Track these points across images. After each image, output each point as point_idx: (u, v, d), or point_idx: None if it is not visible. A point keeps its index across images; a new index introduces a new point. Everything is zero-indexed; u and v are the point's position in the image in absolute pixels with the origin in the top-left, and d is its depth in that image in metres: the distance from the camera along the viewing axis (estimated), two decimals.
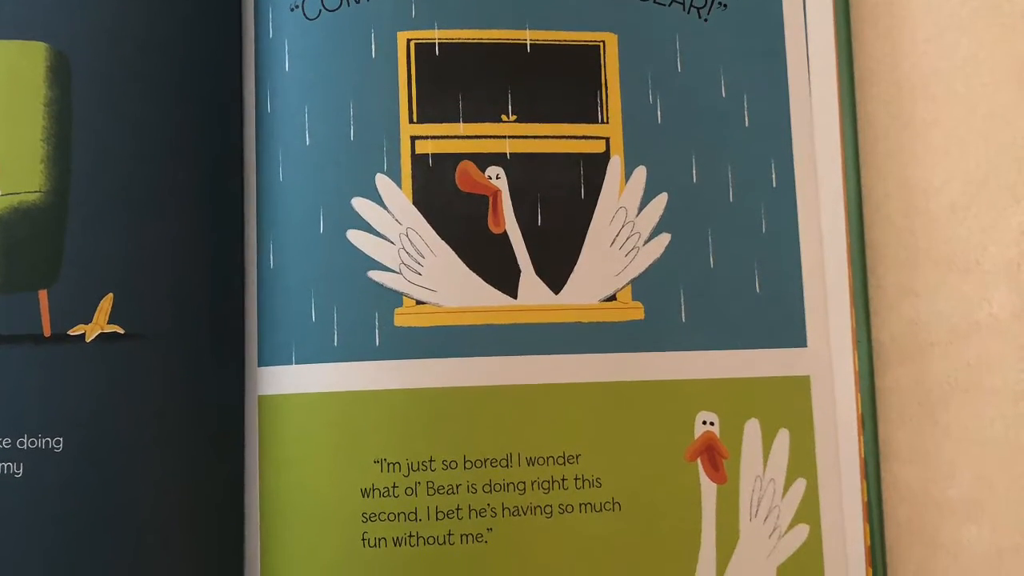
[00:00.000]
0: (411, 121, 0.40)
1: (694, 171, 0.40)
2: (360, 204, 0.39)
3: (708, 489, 0.39)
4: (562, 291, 0.39)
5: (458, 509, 0.38)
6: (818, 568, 0.39)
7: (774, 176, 0.41)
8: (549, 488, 0.38)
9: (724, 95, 0.41)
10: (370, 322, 0.39)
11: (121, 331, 0.38)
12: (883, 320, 0.41)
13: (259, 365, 0.39)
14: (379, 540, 0.38)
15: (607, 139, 0.40)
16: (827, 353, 0.40)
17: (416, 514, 0.38)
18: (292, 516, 0.38)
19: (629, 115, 0.40)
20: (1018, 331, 0.41)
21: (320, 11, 0.40)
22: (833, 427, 0.40)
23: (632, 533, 0.38)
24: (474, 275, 0.39)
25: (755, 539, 0.39)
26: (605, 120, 0.40)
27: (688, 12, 0.41)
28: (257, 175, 0.40)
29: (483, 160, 0.40)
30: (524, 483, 0.38)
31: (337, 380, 0.38)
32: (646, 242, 0.40)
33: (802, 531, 0.39)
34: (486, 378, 0.39)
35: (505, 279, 0.39)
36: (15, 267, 0.38)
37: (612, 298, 0.39)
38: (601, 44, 0.41)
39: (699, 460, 0.39)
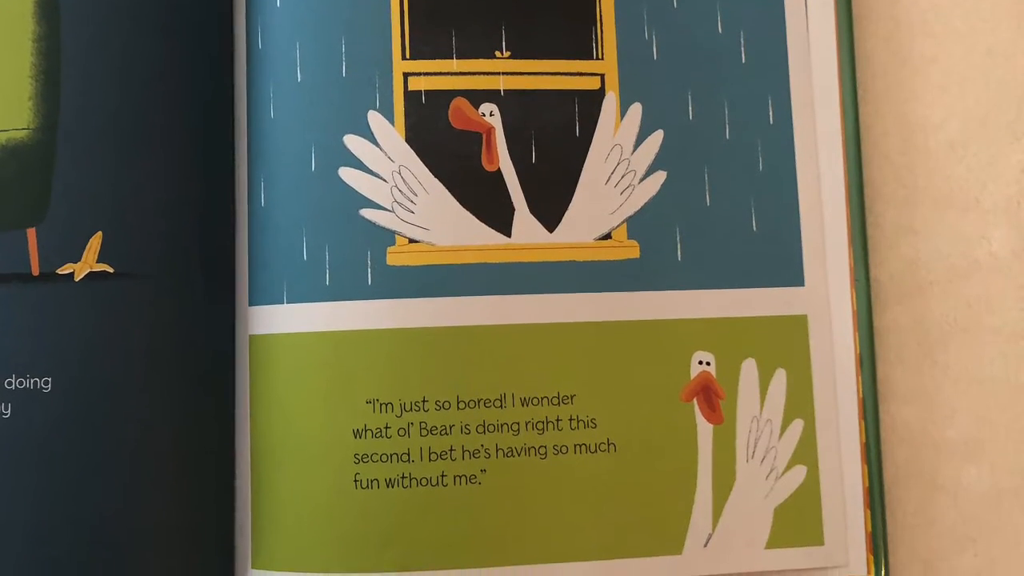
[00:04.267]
0: (404, 57, 0.39)
1: (690, 108, 0.40)
2: (352, 141, 0.39)
3: (704, 430, 0.38)
4: (557, 229, 0.39)
5: (451, 450, 0.38)
6: (816, 509, 0.38)
7: (771, 113, 0.40)
8: (543, 429, 0.38)
9: (720, 31, 0.40)
10: (362, 261, 0.38)
11: (110, 270, 0.37)
12: (881, 259, 0.41)
13: (250, 304, 0.39)
14: (371, 481, 0.37)
15: (602, 76, 0.40)
16: (825, 292, 0.39)
17: (409, 455, 0.37)
18: (284, 457, 0.38)
19: (624, 51, 0.40)
20: (1018, 270, 0.40)
21: None
22: (831, 367, 0.39)
23: (627, 474, 0.38)
24: (467, 213, 0.39)
25: (752, 480, 0.38)
26: (600, 56, 0.40)
27: None
28: (248, 112, 0.39)
29: (477, 97, 0.39)
30: (518, 424, 0.38)
31: (329, 319, 0.38)
32: (642, 180, 0.39)
33: (799, 472, 0.39)
34: (479, 317, 0.38)
35: (499, 217, 0.39)
36: (2, 205, 0.37)
37: (607, 236, 0.39)
38: None
39: (695, 400, 0.39)
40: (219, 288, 0.39)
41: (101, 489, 0.36)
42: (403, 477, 0.37)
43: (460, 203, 0.39)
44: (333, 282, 0.38)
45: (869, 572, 0.38)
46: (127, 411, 0.37)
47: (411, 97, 0.39)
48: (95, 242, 0.37)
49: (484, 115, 0.39)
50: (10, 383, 0.37)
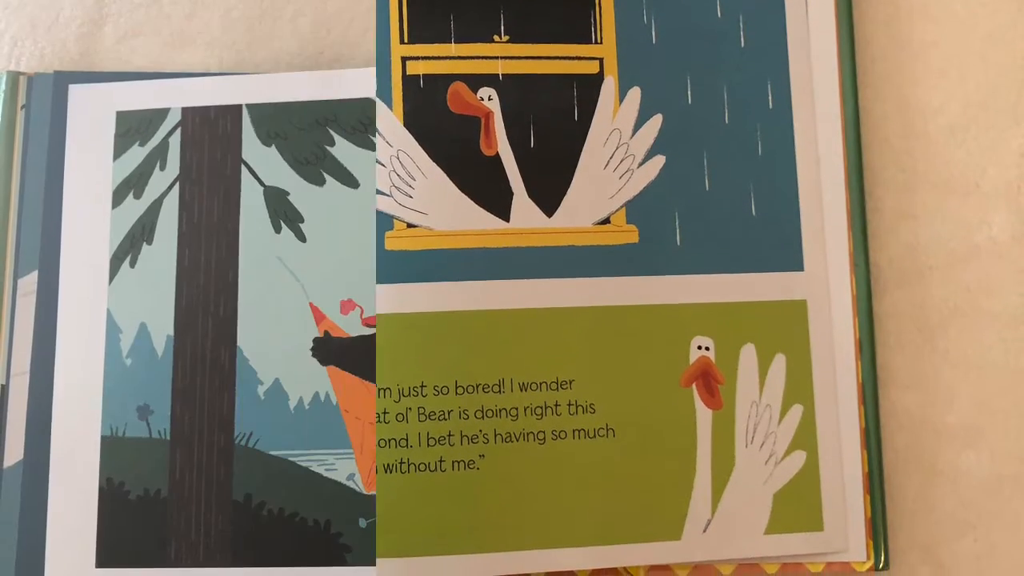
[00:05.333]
0: (402, 41, 0.39)
1: (689, 92, 0.40)
2: None
3: (703, 415, 0.38)
4: (555, 214, 0.39)
5: (450, 435, 0.37)
6: (815, 495, 0.38)
7: (770, 97, 0.40)
8: (542, 414, 0.38)
9: (720, 15, 0.40)
10: None
11: None
12: (881, 243, 0.40)
13: None
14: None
15: (601, 60, 0.40)
16: (824, 277, 0.39)
17: (407, 440, 0.37)
18: None
19: (623, 36, 0.40)
20: (1017, 254, 0.40)
21: None
22: (830, 352, 0.39)
23: (626, 460, 0.38)
24: (466, 198, 0.39)
25: (751, 465, 0.38)
26: (599, 40, 0.40)
27: None
28: None
29: (475, 81, 0.39)
30: (517, 409, 0.38)
31: None
32: (640, 164, 0.39)
33: (799, 457, 0.39)
34: (478, 302, 0.38)
35: (497, 202, 0.39)
36: None
37: (606, 221, 0.39)
38: None
39: (694, 386, 0.38)
40: None
41: None
42: (401, 463, 0.37)
43: (458, 187, 0.39)
44: None
45: (868, 557, 0.38)
46: None
47: (409, 81, 0.39)
48: None
49: (483, 99, 0.39)
50: None
